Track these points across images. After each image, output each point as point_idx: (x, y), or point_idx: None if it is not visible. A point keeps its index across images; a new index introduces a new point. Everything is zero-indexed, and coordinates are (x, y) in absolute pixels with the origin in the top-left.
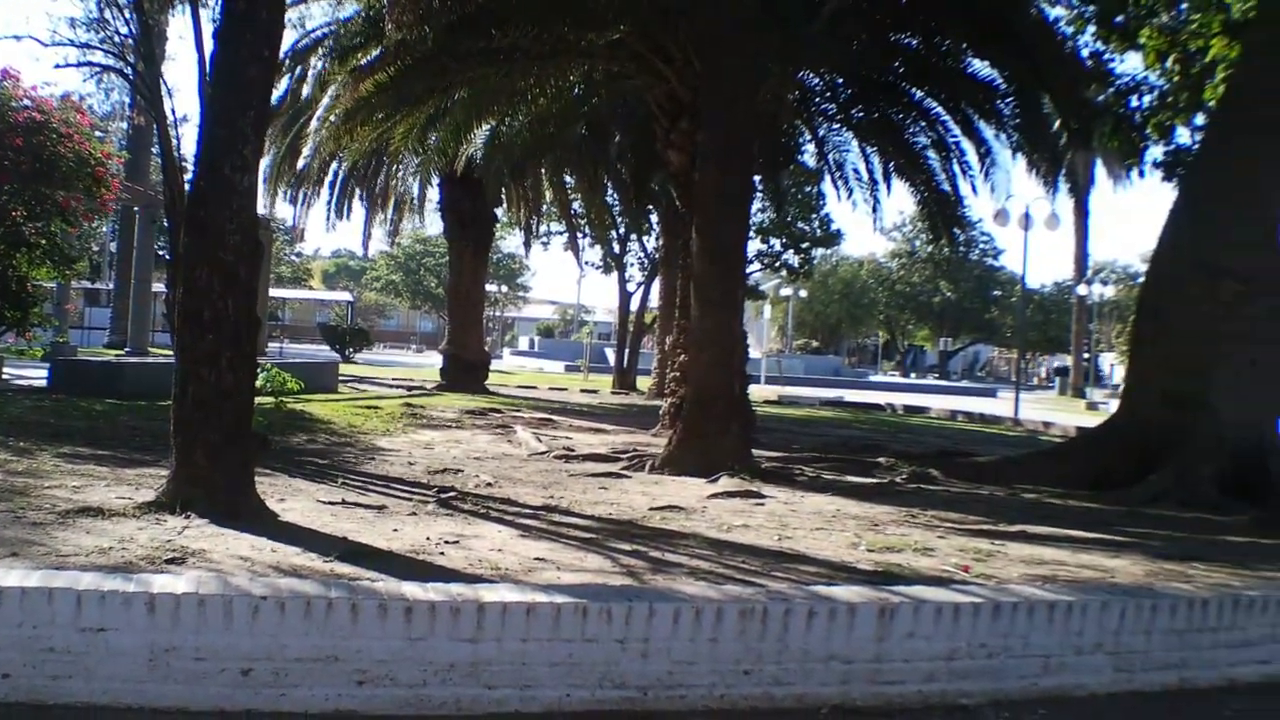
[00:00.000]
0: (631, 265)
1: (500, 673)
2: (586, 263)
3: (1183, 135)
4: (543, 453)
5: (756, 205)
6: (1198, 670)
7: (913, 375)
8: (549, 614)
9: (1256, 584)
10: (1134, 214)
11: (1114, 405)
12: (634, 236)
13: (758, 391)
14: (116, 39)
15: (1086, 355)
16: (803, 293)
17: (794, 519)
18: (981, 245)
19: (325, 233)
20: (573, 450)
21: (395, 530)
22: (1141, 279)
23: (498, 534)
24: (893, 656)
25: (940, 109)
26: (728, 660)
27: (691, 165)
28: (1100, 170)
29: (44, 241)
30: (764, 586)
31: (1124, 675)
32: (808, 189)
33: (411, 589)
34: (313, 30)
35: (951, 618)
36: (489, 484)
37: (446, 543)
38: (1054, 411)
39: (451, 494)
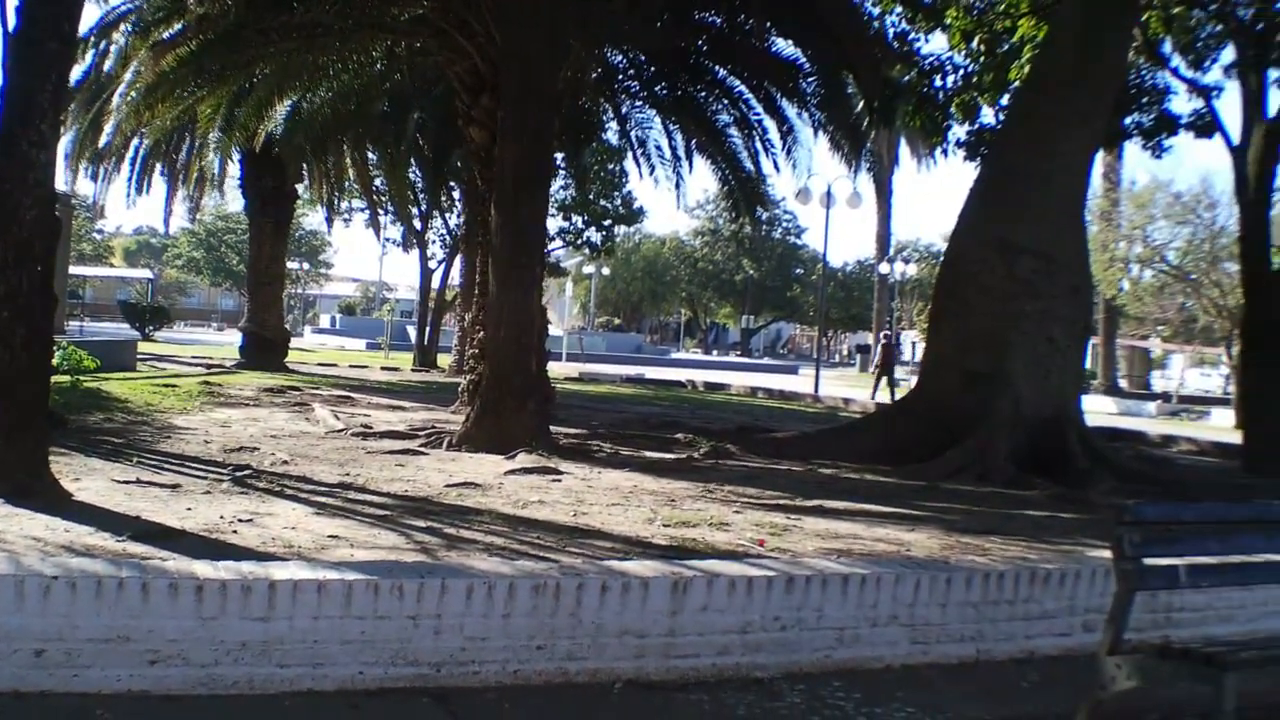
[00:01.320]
0: (433, 242)
1: (292, 651)
2: (388, 240)
3: (987, 115)
4: (340, 430)
5: (559, 182)
6: (995, 642)
7: (715, 352)
8: (340, 591)
9: (1053, 557)
10: (939, 193)
11: (915, 382)
12: (436, 213)
13: (559, 369)
14: None
15: (887, 332)
16: (605, 270)
17: (591, 495)
18: (785, 224)
19: (127, 209)
20: (370, 428)
21: (189, 509)
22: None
23: (292, 512)
24: (686, 630)
25: (743, 87)
26: (521, 636)
27: (492, 142)
28: (905, 150)
29: None
30: (558, 562)
31: (920, 647)
32: (611, 166)
33: (203, 568)
34: (118, 5)
35: (745, 591)
36: (285, 462)
37: (240, 521)
38: (855, 388)
39: (247, 472)
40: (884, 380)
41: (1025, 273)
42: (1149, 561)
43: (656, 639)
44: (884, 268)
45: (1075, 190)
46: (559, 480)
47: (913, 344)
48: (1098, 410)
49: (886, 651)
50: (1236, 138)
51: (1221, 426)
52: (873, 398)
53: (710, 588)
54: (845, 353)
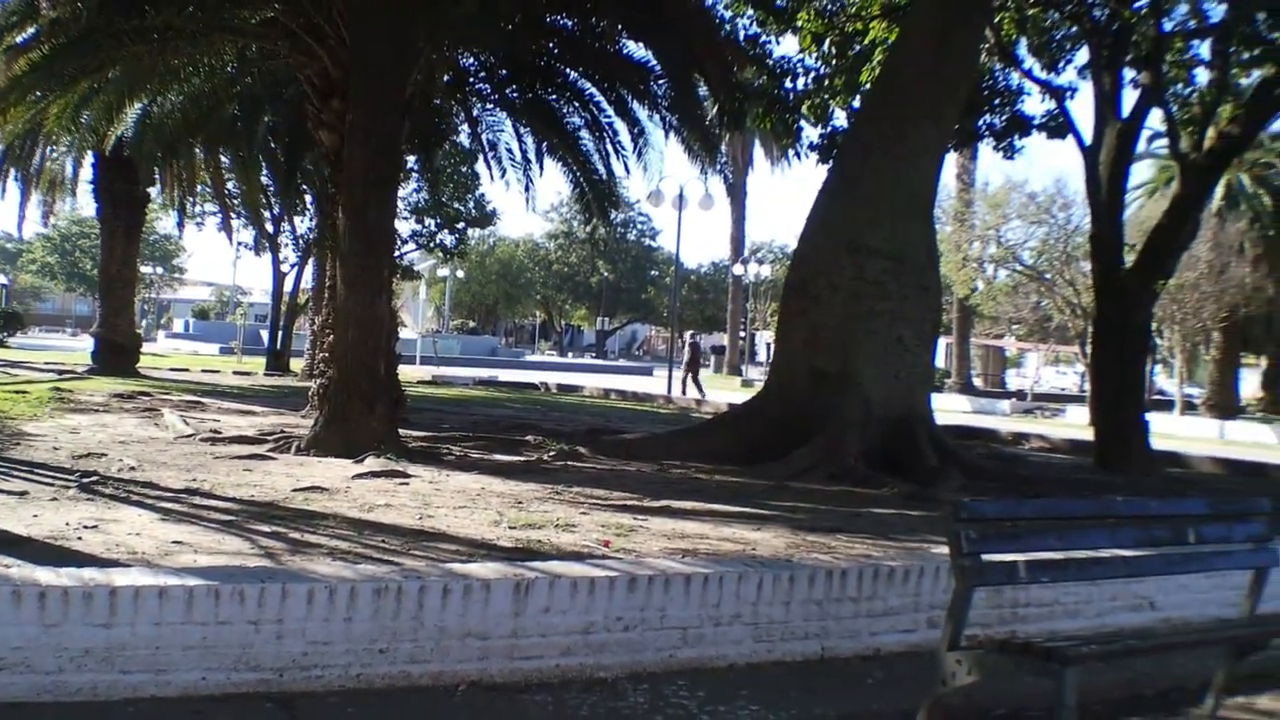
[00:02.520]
0: (286, 246)
1: (135, 657)
2: (241, 244)
3: (839, 118)
4: (190, 435)
5: (412, 185)
6: (839, 640)
7: (570, 355)
8: (182, 597)
9: (898, 554)
10: (794, 195)
11: (765, 382)
12: (288, 217)
13: (412, 372)
14: None
15: (743, 334)
16: (460, 273)
17: (438, 498)
18: (640, 226)
19: None
20: (219, 433)
21: (35, 516)
22: None
23: (138, 518)
24: (529, 632)
25: (595, 90)
26: (363, 640)
27: (343, 145)
28: (760, 152)
29: None
30: (401, 565)
31: (764, 646)
32: (464, 169)
33: (45, 574)
34: None
35: (587, 592)
36: (133, 468)
37: (85, 528)
38: (709, 389)
39: (94, 478)
40: (690, 378)
41: (874, 273)
42: (987, 558)
43: (500, 641)
44: (738, 269)
45: (925, 191)
46: (406, 483)
47: (766, 345)
48: (952, 409)
49: (730, 650)
50: (1089, 138)
51: (1076, 424)
52: (683, 393)
53: (553, 589)
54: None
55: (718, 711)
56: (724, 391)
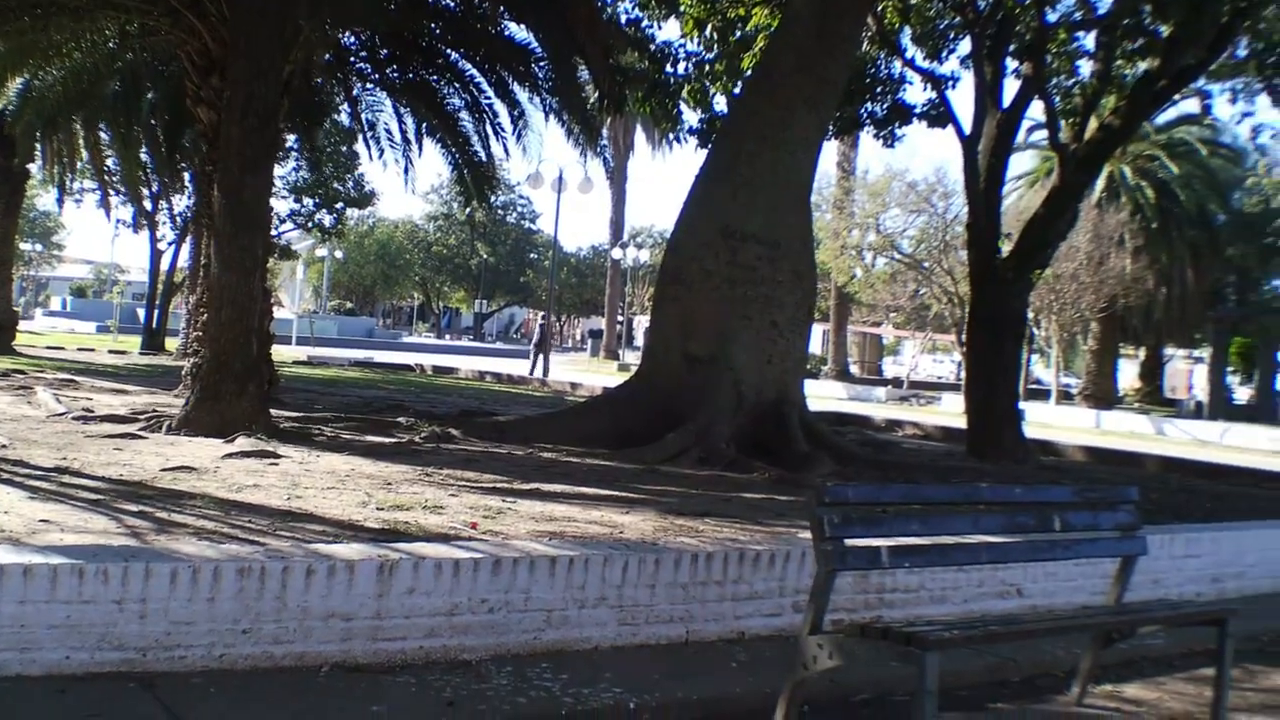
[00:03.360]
0: (164, 224)
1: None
2: (119, 221)
3: (720, 103)
4: (62, 414)
5: (292, 164)
6: (704, 623)
7: (447, 337)
8: (46, 575)
9: (765, 539)
10: (676, 180)
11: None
12: (167, 195)
13: (288, 353)
14: None
15: (621, 318)
16: (338, 254)
17: (307, 479)
18: (520, 209)
19: None
20: (92, 411)
21: None
22: None
23: (6, 496)
24: (393, 613)
25: (476, 72)
26: (226, 620)
27: (221, 122)
28: (641, 136)
29: None
30: (266, 545)
31: (629, 629)
32: (344, 149)
33: None
34: None
35: (452, 574)
36: (3, 446)
37: None
38: (586, 373)
39: None
40: (539, 358)
41: (749, 259)
42: (850, 542)
43: (363, 622)
44: (616, 253)
45: (801, 177)
46: (276, 464)
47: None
48: (828, 395)
49: (595, 633)
50: (970, 128)
51: (951, 412)
52: (530, 374)
53: (417, 570)
54: (578, 337)
55: (581, 694)
56: (600, 375)
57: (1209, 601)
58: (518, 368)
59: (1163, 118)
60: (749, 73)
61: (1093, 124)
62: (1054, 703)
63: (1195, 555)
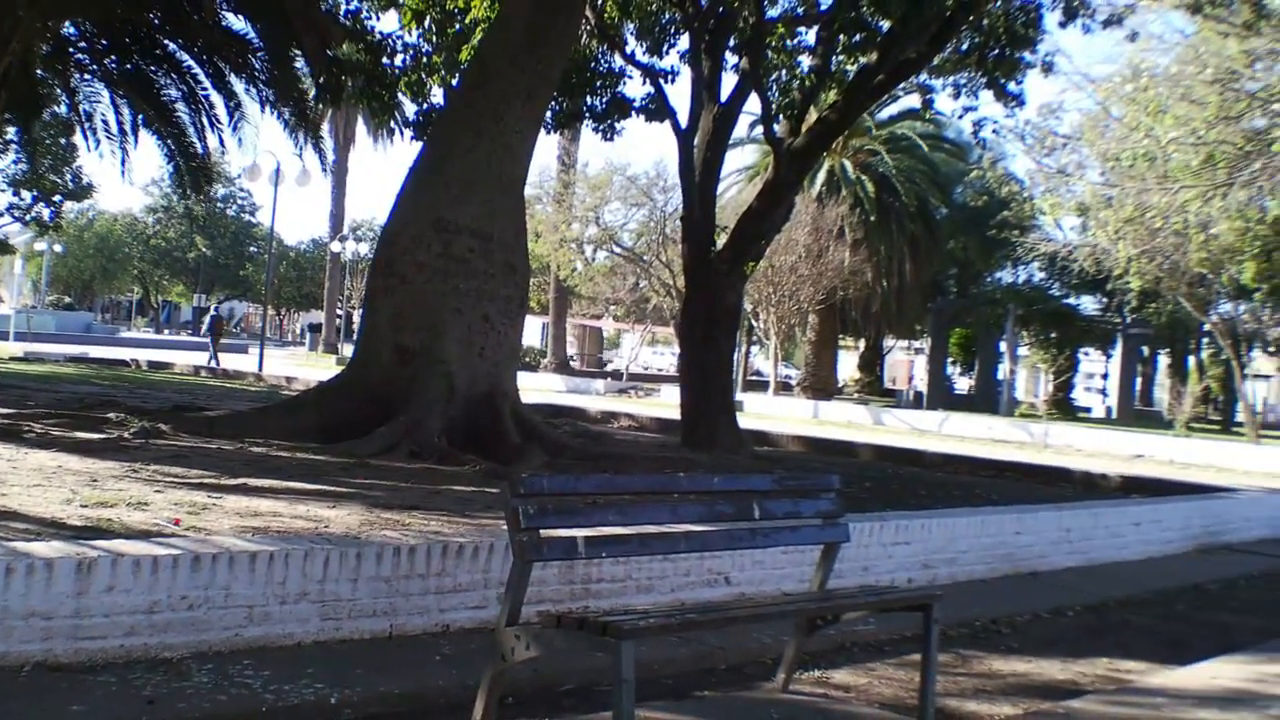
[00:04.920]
0: None
1: None
2: None
3: (438, 96)
4: None
5: (11, 156)
6: (409, 617)
7: (167, 331)
8: None
9: (471, 531)
10: (397, 173)
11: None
12: None
13: (4, 348)
14: None
15: (340, 312)
16: (58, 247)
17: (14, 475)
18: (240, 201)
19: None
20: None
21: None
22: None
23: None
24: (93, 611)
25: (194, 63)
26: None
27: None
28: (363, 129)
29: None
30: None
31: (332, 624)
32: (63, 140)
33: None
34: None
35: (151, 571)
36: None
37: None
38: (304, 367)
39: None
40: (214, 347)
41: (462, 251)
42: (546, 533)
43: (63, 621)
44: (336, 246)
45: (516, 170)
46: None
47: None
48: (547, 388)
49: (297, 629)
50: (688, 122)
51: (670, 403)
52: (210, 362)
53: (115, 568)
54: (298, 332)
55: (282, 690)
56: (318, 370)
57: (919, 587)
58: (235, 362)
59: (886, 113)
60: (466, 65)
61: (811, 118)
62: (760, 690)
63: (906, 542)
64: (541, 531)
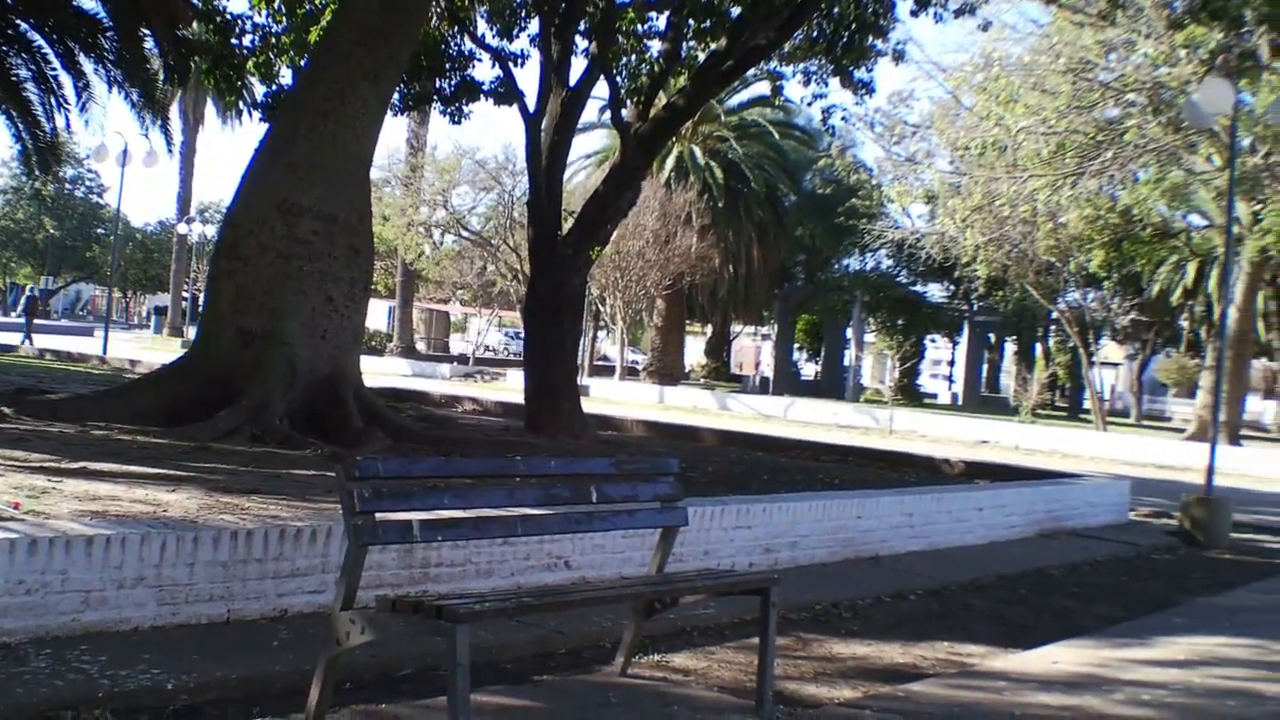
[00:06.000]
0: None
1: None
2: None
3: (287, 77)
4: None
5: None
6: (246, 602)
7: (13, 314)
8: None
9: (310, 516)
10: (246, 155)
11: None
12: None
13: None
14: None
15: (186, 294)
16: None
17: None
18: (89, 183)
19: None
20: None
21: None
22: None
23: None
24: None
25: (44, 43)
26: None
27: None
28: (212, 110)
29: None
30: None
31: (169, 608)
32: None
33: None
34: None
35: None
36: None
37: None
38: (150, 350)
39: None
40: (28, 327)
41: (305, 233)
42: (381, 516)
43: None
44: (182, 228)
45: (362, 152)
46: None
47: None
48: (393, 372)
49: (134, 614)
50: (535, 106)
51: (515, 388)
52: (25, 343)
53: None
54: (144, 314)
55: (118, 675)
56: (163, 353)
57: (758, 571)
58: (80, 345)
59: (736, 99)
60: (314, 46)
61: (660, 103)
62: (599, 673)
63: (747, 526)
64: (376, 515)
